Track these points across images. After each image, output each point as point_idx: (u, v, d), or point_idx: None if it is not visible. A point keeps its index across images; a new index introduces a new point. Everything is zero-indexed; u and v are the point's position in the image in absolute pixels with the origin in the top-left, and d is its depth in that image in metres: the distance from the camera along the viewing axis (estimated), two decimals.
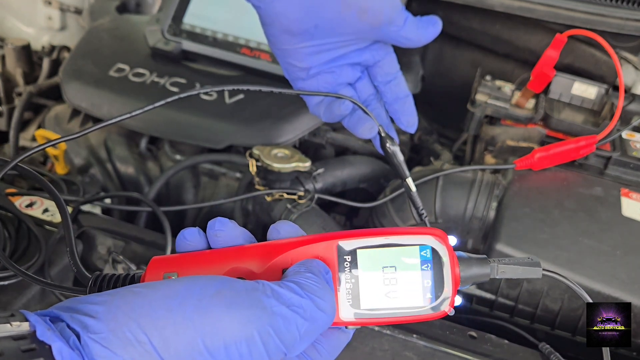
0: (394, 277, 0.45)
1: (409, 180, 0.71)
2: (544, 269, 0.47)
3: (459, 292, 0.46)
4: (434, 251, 0.46)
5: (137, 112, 0.60)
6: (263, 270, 0.46)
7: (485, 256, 0.47)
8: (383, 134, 0.67)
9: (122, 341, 0.35)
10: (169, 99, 0.61)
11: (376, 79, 0.70)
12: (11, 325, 0.34)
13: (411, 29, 0.63)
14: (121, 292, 0.38)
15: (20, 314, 0.35)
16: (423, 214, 0.74)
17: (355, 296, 0.45)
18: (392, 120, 0.73)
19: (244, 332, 0.37)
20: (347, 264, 0.46)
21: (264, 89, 0.66)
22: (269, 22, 0.63)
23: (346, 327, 0.46)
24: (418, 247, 0.46)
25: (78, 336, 0.35)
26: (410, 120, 0.71)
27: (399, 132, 0.87)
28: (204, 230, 0.48)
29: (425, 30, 0.64)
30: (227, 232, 0.47)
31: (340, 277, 0.46)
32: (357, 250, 0.46)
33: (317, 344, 0.45)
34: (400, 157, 0.69)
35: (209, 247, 0.48)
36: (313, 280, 0.42)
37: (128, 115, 0.59)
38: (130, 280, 0.47)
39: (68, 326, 0.35)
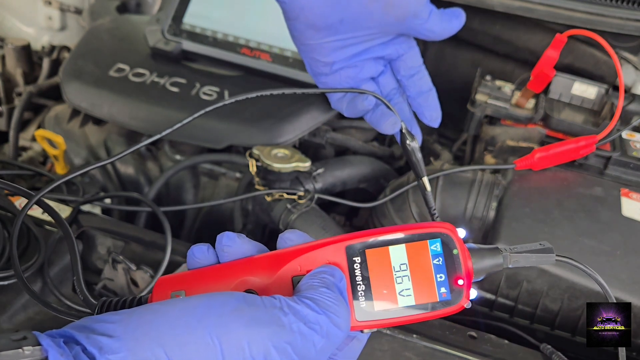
0: (406, 275, 0.45)
1: (425, 179, 0.70)
2: (557, 255, 0.46)
3: (473, 284, 0.45)
4: (443, 244, 0.45)
5: (185, 121, 0.61)
6: (272, 280, 0.45)
7: (496, 246, 0.46)
8: (404, 131, 0.67)
9: None
10: (214, 106, 0.62)
11: (399, 73, 0.68)
12: (23, 350, 0.33)
13: (435, 22, 0.62)
14: (139, 311, 0.37)
15: (32, 335, 0.34)
16: (435, 213, 0.73)
17: (369, 298, 0.45)
18: (415, 115, 0.72)
19: (262, 348, 0.37)
20: (357, 266, 0.45)
21: (287, 91, 0.65)
22: (294, 17, 0.62)
23: (362, 331, 0.45)
24: (427, 241, 0.45)
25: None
26: (433, 115, 0.70)
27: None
28: (215, 238, 0.47)
29: (449, 23, 0.63)
30: (234, 247, 0.46)
31: (351, 280, 0.45)
32: (366, 251, 0.45)
33: (332, 356, 0.45)
34: (419, 155, 0.69)
35: (219, 262, 0.47)
36: (328, 296, 0.41)
37: (177, 126, 0.61)
38: (137, 302, 0.47)
39: (84, 350, 0.34)
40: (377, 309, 0.44)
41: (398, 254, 0.45)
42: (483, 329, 0.72)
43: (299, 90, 0.66)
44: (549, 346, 0.69)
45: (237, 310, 0.38)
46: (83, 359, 0.34)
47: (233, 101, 0.62)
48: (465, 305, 0.45)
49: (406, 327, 0.68)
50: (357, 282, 0.45)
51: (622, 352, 0.59)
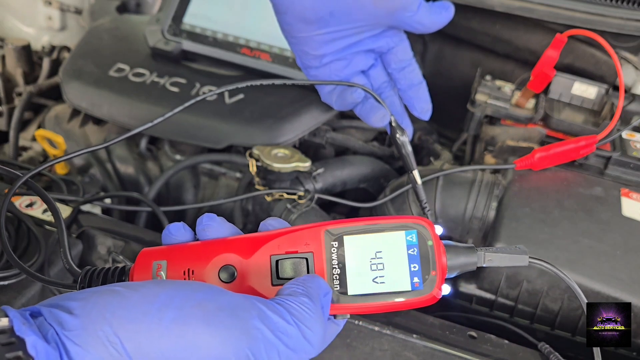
0: (380, 262, 0.46)
1: (415, 173, 0.71)
2: (530, 257, 0.48)
3: (446, 280, 0.47)
4: (419, 236, 0.46)
5: (160, 119, 0.61)
6: (251, 258, 0.46)
7: (472, 245, 0.48)
8: (394, 124, 0.67)
9: (94, 339, 0.34)
10: (192, 101, 0.62)
11: (390, 66, 0.69)
12: None
13: (424, 14, 0.63)
14: (101, 290, 0.37)
15: (1, 310, 0.35)
16: (426, 207, 0.73)
17: (343, 282, 0.46)
18: (407, 108, 0.72)
19: (220, 352, 0.36)
20: (334, 250, 0.46)
21: (277, 82, 0.66)
22: (284, 10, 0.62)
23: (334, 317, 0.46)
24: (404, 231, 0.46)
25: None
26: (424, 107, 0.70)
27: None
28: (194, 227, 0.49)
29: (438, 15, 0.64)
30: (215, 226, 0.48)
31: (327, 264, 0.46)
32: (344, 237, 0.46)
33: None
34: (409, 148, 0.69)
35: (196, 240, 0.49)
36: (306, 307, 0.40)
37: (151, 124, 0.61)
38: (119, 272, 0.48)
39: (47, 320, 0.35)
40: (350, 293, 0.45)
41: (375, 242, 0.46)
42: (483, 329, 0.72)
43: (289, 82, 0.66)
44: (547, 345, 0.69)
45: (199, 305, 0.37)
46: (47, 327, 0.35)
47: (219, 92, 0.63)
48: (436, 296, 0.46)
49: (406, 327, 0.68)
50: (333, 266, 0.46)
51: (597, 352, 0.59)
